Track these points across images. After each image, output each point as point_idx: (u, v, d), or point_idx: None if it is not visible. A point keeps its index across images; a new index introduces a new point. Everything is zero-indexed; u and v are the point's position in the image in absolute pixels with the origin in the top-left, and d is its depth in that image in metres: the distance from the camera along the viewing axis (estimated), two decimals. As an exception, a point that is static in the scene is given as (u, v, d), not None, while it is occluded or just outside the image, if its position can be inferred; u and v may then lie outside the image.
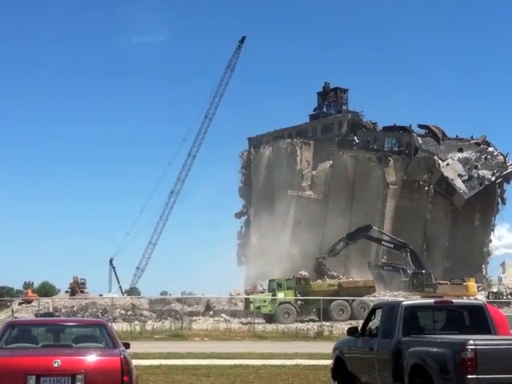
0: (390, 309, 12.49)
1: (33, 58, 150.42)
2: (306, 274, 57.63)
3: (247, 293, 58.06)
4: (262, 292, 52.97)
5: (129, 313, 48.76)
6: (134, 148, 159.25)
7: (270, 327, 38.80)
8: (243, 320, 44.46)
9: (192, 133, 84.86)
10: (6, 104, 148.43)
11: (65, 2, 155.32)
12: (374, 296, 48.83)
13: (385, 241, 66.42)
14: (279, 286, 48.59)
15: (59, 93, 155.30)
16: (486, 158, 79.23)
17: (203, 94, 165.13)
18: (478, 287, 62.41)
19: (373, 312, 13.51)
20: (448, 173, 77.13)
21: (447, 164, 77.65)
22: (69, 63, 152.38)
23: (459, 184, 76.66)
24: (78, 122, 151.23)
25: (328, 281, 53.85)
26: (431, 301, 13.31)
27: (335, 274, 61.99)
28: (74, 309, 49.16)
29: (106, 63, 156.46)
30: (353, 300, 45.91)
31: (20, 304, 53.48)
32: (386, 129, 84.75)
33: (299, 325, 40.63)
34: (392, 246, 65.63)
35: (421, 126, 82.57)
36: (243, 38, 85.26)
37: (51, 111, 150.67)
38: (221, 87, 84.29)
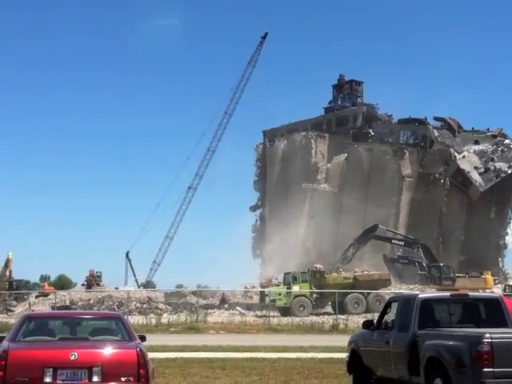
0: (406, 302, 12.45)
1: (45, 52, 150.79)
2: (321, 267, 57.46)
3: (262, 286, 57.98)
4: (277, 285, 52.95)
5: (144, 306, 48.98)
6: (152, 142, 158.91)
7: (285, 320, 38.80)
8: (258, 313, 44.48)
9: (211, 127, 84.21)
10: (23, 99, 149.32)
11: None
12: (390, 289, 48.71)
13: (395, 239, 66.04)
14: (294, 278, 48.56)
15: (75, 87, 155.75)
16: (502, 151, 78.70)
17: (222, 88, 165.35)
18: (494, 280, 62.12)
19: (388, 305, 13.46)
20: (464, 165, 76.68)
21: (463, 156, 77.21)
22: (82, 57, 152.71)
23: (475, 176, 76.18)
24: (93, 116, 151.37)
25: (343, 274, 53.74)
26: (447, 294, 13.24)
27: None
28: (91, 302, 49.47)
29: (122, 58, 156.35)
30: (368, 293, 45.80)
31: (37, 297, 53.88)
32: (402, 121, 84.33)
33: (314, 318, 40.56)
34: (402, 243, 65.26)
35: (436, 119, 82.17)
36: (266, 34, 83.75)
37: (68, 106, 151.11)
38: (241, 83, 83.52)
